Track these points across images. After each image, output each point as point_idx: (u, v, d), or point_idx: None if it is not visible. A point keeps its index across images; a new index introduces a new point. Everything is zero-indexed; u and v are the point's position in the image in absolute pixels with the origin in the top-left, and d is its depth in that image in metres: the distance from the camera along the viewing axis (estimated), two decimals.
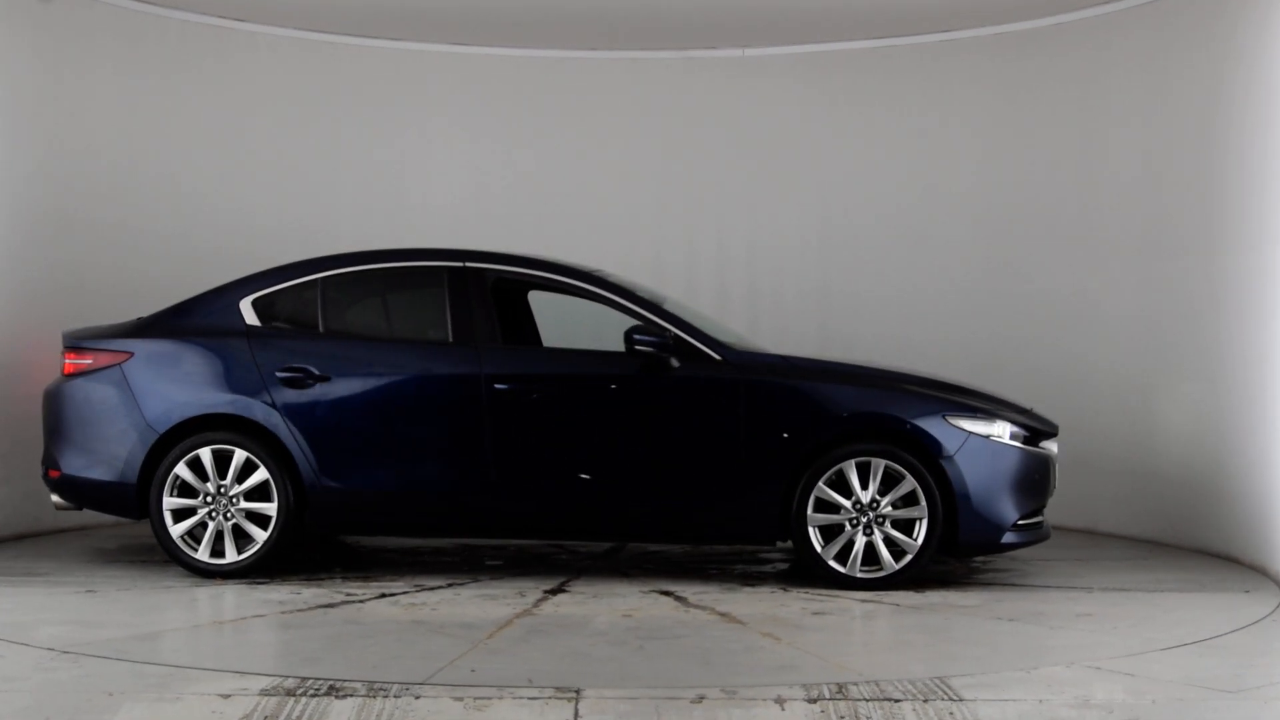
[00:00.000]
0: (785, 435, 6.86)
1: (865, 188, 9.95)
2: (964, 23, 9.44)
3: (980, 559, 7.67)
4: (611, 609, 6.45)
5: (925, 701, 4.87)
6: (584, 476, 6.95)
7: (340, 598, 6.64)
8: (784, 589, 6.91)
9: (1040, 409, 7.43)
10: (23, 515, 8.29)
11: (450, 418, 7.03)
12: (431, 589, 6.88)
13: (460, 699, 4.85)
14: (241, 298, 7.27)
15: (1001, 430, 6.89)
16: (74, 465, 7.20)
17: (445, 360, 7.07)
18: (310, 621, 6.16)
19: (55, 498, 7.37)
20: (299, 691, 4.90)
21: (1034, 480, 6.96)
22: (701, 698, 4.91)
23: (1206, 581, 7.25)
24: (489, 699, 4.86)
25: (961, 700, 4.89)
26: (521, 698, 4.87)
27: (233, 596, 6.72)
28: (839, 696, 4.93)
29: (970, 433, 6.82)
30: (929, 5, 9.14)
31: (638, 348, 6.91)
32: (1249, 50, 7.80)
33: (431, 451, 7.07)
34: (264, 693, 4.88)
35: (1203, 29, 8.26)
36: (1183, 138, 8.42)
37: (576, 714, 4.71)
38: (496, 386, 6.97)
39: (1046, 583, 7.19)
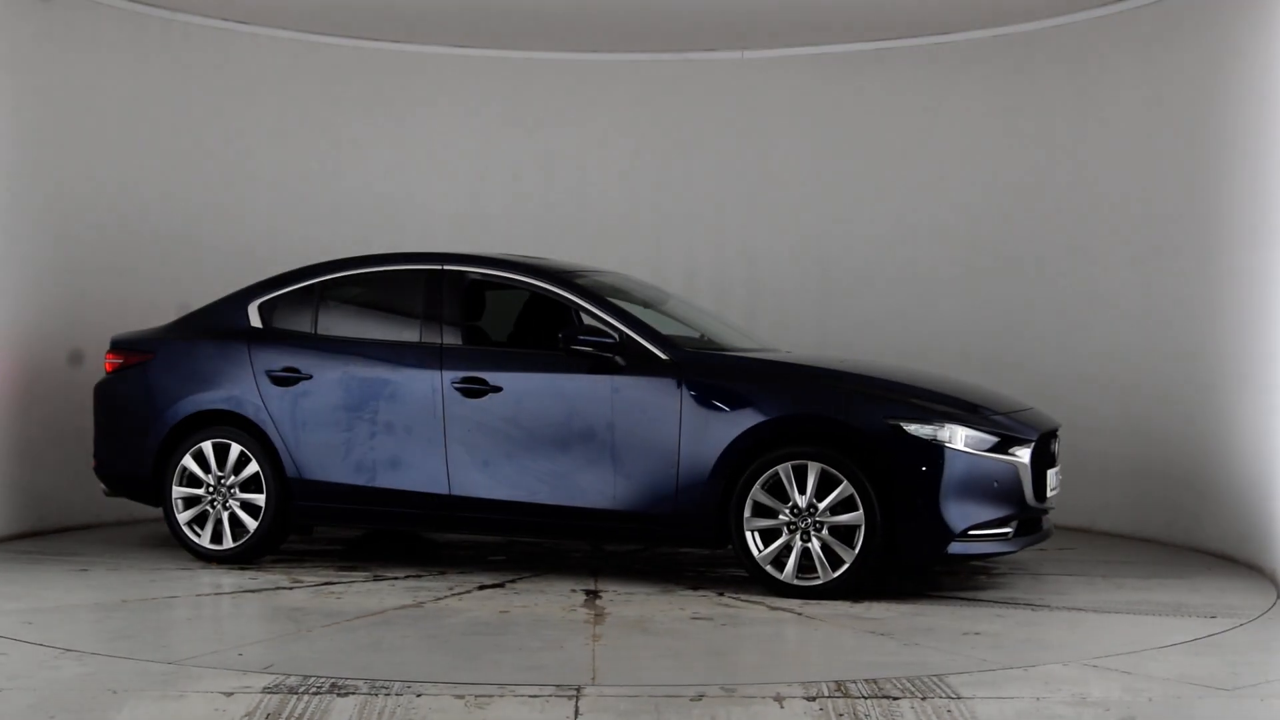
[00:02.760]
0: (722, 437, 6.73)
1: (864, 188, 9.99)
2: (962, 24, 9.47)
3: (1001, 569, 7.48)
4: (504, 605, 6.52)
5: (923, 699, 4.90)
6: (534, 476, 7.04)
7: (283, 584, 7.04)
8: (718, 594, 6.81)
9: (1040, 408, 7.43)
10: (114, 505, 8.61)
11: (413, 416, 7.21)
12: (384, 579, 7.16)
13: (461, 696, 4.89)
14: (250, 302, 7.74)
15: (951, 434, 6.57)
16: (108, 456, 7.88)
17: (412, 360, 7.27)
18: (209, 603, 6.67)
19: (103, 485, 7.96)
20: (301, 689, 4.94)
21: (991, 488, 6.61)
22: (701, 696, 4.95)
23: (1184, 604, 6.69)
24: (490, 696, 4.89)
25: (959, 698, 4.92)
26: (522, 695, 4.91)
27: (188, 579, 7.17)
28: (838, 694, 4.96)
29: (914, 436, 6.55)
30: (927, 7, 9.18)
31: (574, 347, 6.96)
32: (1248, 51, 7.83)
33: (395, 448, 7.25)
34: (267, 690, 4.92)
35: (1201, 30, 8.30)
36: (1182, 138, 8.45)
37: (577, 712, 4.74)
38: (454, 386, 7.12)
39: (1007, 596, 6.82)
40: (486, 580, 7.14)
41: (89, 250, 8.81)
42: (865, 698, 4.93)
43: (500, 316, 7.69)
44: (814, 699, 4.91)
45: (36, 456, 8.49)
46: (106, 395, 7.89)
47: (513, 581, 7.13)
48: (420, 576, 7.25)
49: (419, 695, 4.89)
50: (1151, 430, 8.62)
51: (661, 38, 9.93)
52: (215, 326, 7.74)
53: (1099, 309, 9.03)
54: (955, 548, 6.59)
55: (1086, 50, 9.08)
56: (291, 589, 6.92)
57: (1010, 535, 6.74)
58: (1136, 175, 8.81)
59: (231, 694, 4.88)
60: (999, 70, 9.52)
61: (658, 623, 6.19)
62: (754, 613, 6.42)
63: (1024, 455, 6.73)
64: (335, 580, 7.14)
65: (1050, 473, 6.98)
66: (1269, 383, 7.41)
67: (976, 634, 5.99)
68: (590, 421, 6.96)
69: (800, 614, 6.38)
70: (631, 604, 6.58)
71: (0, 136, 8.30)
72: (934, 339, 9.58)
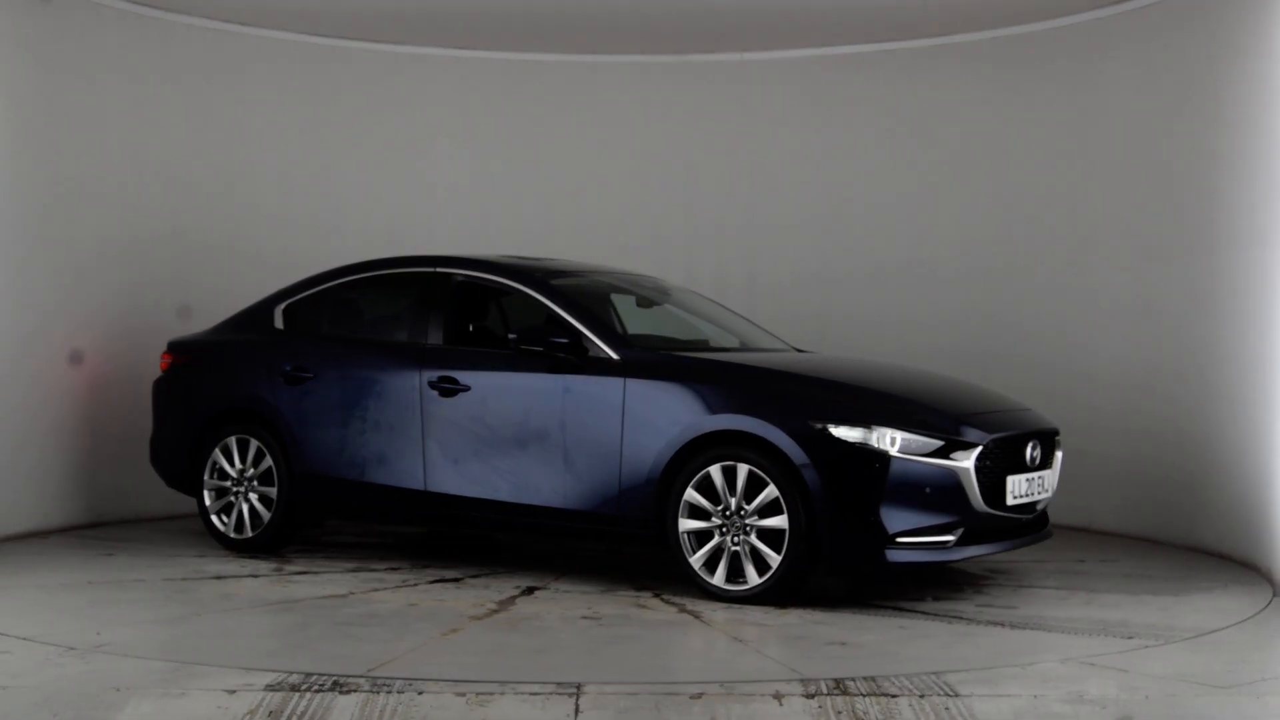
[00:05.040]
0: (659, 436, 6.68)
1: (863, 190, 10.02)
2: (961, 27, 9.49)
3: (995, 578, 7.39)
4: (421, 599, 6.66)
5: (922, 697, 4.93)
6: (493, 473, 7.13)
7: (261, 572, 7.37)
8: (654, 595, 6.76)
9: (1038, 409, 7.44)
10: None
11: (397, 414, 7.38)
12: (366, 571, 7.40)
13: (462, 694, 4.91)
14: (277, 305, 8.11)
15: (881, 437, 6.34)
16: (159, 450, 8.31)
17: (398, 360, 7.45)
18: (158, 586, 7.00)
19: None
20: (303, 687, 4.96)
21: (922, 494, 6.34)
22: (701, 694, 4.97)
23: (1128, 622, 6.24)
24: (491, 694, 4.92)
25: (957, 696, 4.95)
26: (523, 693, 4.94)
27: (182, 564, 7.57)
28: (836, 692, 4.99)
29: (839, 438, 6.35)
30: (927, 9, 9.20)
31: (523, 347, 7.02)
32: (1246, 51, 7.86)
33: (382, 445, 7.44)
34: (269, 688, 4.95)
35: (1199, 31, 8.32)
36: (1180, 139, 8.47)
37: (577, 709, 4.77)
38: (430, 385, 7.28)
39: (943, 609, 6.51)
40: (455, 575, 7.29)
41: (86, 250, 8.81)
42: (864, 695, 4.95)
43: (487, 317, 7.76)
44: (812, 696, 4.93)
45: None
46: (159, 393, 8.31)
47: (476, 577, 7.24)
48: (399, 569, 7.45)
49: (420, 693, 4.92)
50: (1149, 429, 8.64)
51: (662, 39, 9.96)
52: (248, 327, 8.11)
53: (1098, 308, 9.05)
54: (893, 555, 6.34)
55: (1087, 51, 9.10)
56: (257, 577, 7.21)
57: (951, 544, 6.45)
58: (1137, 175, 8.83)
59: (234, 691, 4.91)
60: (1000, 71, 9.54)
61: (540, 621, 6.21)
62: (655, 615, 6.35)
63: (965, 460, 6.42)
64: (313, 570, 7.41)
65: (1017, 478, 6.67)
66: (1267, 382, 7.43)
67: (841, 644, 5.79)
68: (545, 421, 6.99)
69: (700, 618, 6.27)
70: (545, 602, 6.62)
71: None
72: (934, 338, 9.59)
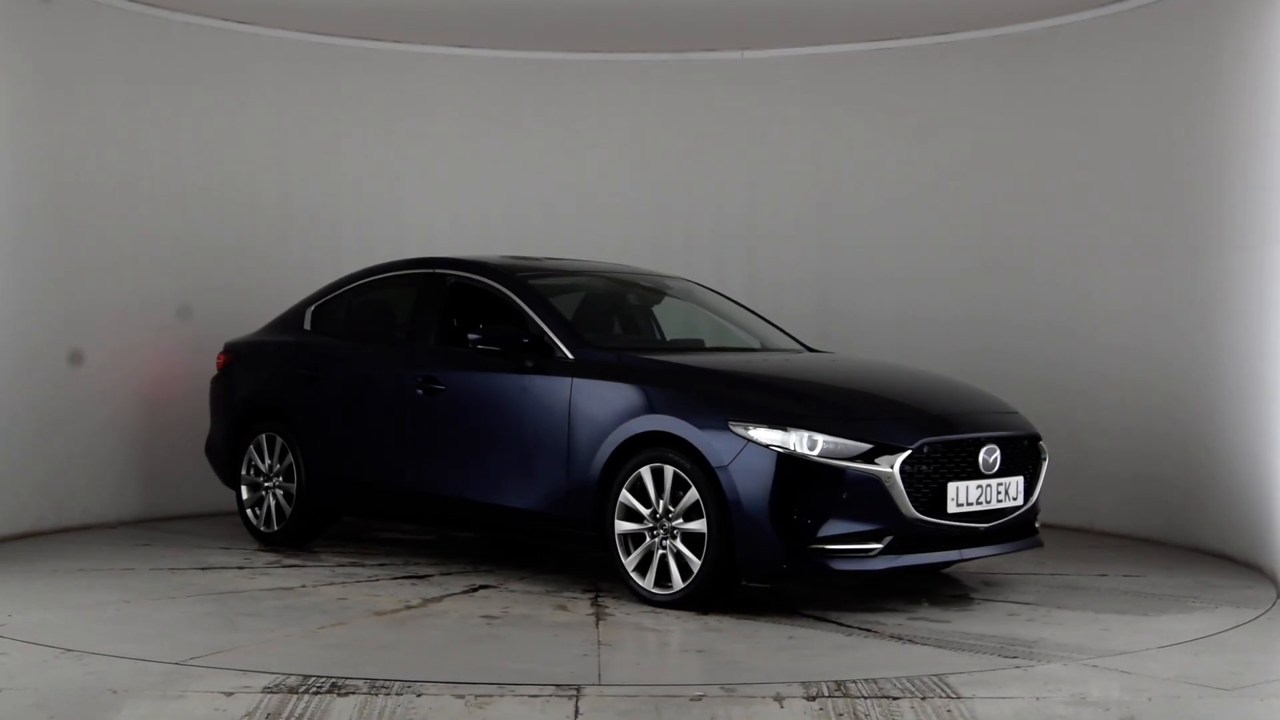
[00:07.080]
0: (598, 437, 6.63)
1: (863, 189, 10.00)
2: (960, 25, 9.48)
3: (986, 587, 7.09)
4: (356, 594, 6.78)
5: (923, 699, 4.91)
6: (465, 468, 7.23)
7: (254, 564, 7.61)
8: (590, 597, 6.71)
9: (1037, 409, 7.41)
10: None
11: (389, 413, 7.53)
12: (357, 566, 7.57)
13: (461, 696, 4.89)
14: (308, 307, 8.34)
15: (800, 440, 6.14)
16: (209, 444, 8.64)
17: (394, 361, 7.62)
18: (129, 574, 7.27)
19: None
20: (301, 689, 4.94)
21: (842, 500, 6.13)
22: (701, 696, 4.95)
23: (1043, 640, 5.82)
24: (490, 696, 4.90)
25: (959, 698, 4.93)
26: (522, 695, 4.92)
27: (188, 555, 7.86)
28: (838, 694, 4.97)
29: (750, 441, 6.17)
30: (926, 8, 9.19)
31: (480, 347, 7.07)
32: (1246, 51, 7.84)
33: (375, 444, 7.64)
34: (267, 690, 4.92)
35: (1199, 30, 8.30)
36: (1179, 139, 8.45)
37: (577, 711, 4.75)
38: (416, 385, 7.37)
39: (863, 620, 6.24)
40: (428, 572, 7.39)
41: (86, 250, 8.79)
42: (865, 697, 4.93)
43: (478, 317, 7.76)
44: (814, 699, 4.91)
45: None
46: (213, 392, 8.63)
47: (447, 574, 7.32)
48: (386, 565, 7.60)
49: (419, 695, 4.90)
50: (1149, 430, 8.62)
51: (662, 38, 9.94)
52: (285, 329, 8.35)
53: (1098, 308, 9.03)
54: (813, 563, 6.14)
55: (1089, 49, 9.08)
56: (242, 569, 7.44)
57: (877, 551, 6.17)
58: (1134, 175, 8.81)
59: (231, 694, 4.89)
60: (1001, 69, 9.53)
61: (436, 619, 6.24)
62: (560, 618, 6.28)
63: (889, 464, 6.16)
64: (302, 564, 7.59)
65: (963, 485, 6.35)
66: (1267, 382, 7.41)
67: (699, 652, 5.73)
68: (506, 420, 7.04)
69: (602, 622, 6.18)
70: (472, 601, 6.64)
71: (0, 136, 8.30)
72: (932, 338, 9.58)
